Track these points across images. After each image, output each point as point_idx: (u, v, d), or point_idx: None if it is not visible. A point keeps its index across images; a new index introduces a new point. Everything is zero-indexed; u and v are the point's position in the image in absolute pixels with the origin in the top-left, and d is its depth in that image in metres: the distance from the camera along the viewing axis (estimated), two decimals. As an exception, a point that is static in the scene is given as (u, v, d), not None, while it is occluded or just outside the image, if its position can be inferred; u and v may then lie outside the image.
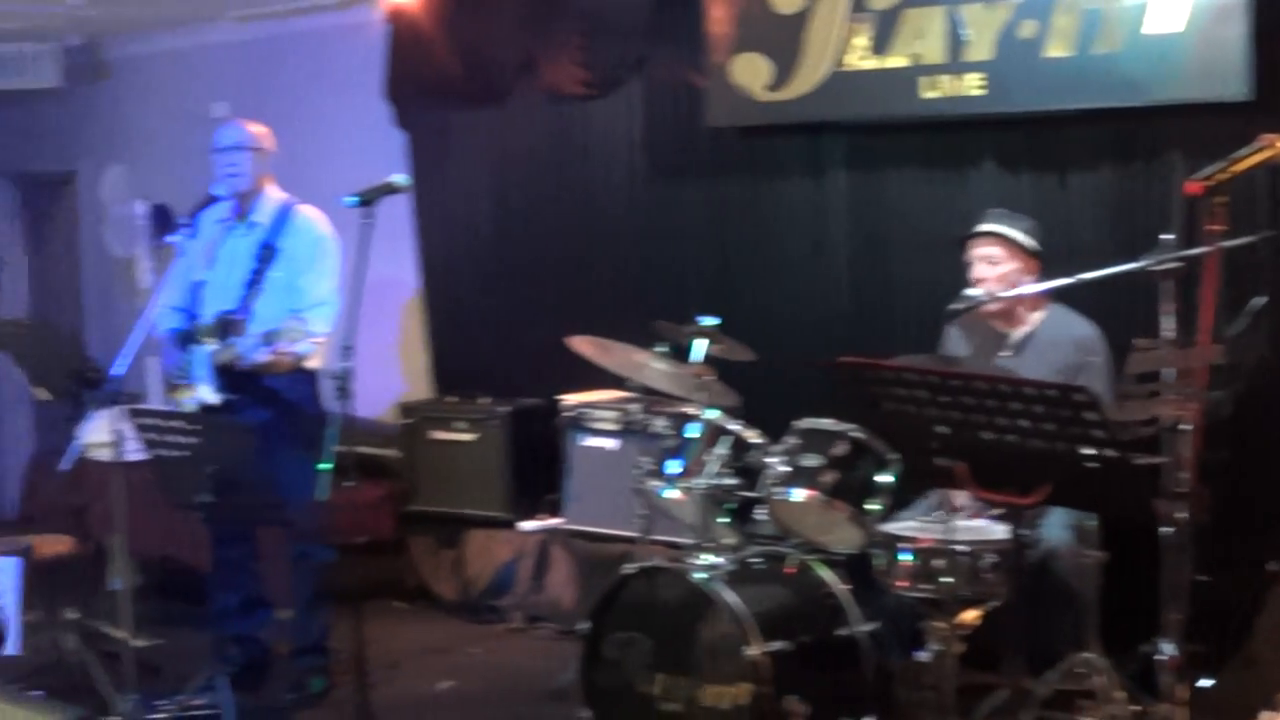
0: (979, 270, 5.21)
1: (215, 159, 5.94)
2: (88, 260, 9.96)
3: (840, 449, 4.99)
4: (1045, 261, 5.27)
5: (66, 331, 6.69)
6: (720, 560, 5.00)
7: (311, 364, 5.85)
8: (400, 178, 5.33)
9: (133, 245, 8.47)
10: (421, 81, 7.87)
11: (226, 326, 5.80)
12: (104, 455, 6.40)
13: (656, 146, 7.10)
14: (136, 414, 5.27)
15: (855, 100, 6.21)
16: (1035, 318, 5.28)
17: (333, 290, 5.86)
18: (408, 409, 7.51)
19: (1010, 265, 5.20)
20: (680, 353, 5.44)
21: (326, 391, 5.53)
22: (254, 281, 5.87)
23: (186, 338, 5.92)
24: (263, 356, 5.51)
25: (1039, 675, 4.55)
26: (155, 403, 7.88)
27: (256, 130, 6.01)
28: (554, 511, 7.02)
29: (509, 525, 7.13)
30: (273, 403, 5.79)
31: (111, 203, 8.55)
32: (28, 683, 5.69)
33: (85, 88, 9.68)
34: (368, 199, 5.14)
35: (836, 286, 6.53)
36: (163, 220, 8.10)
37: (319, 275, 5.87)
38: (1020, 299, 5.21)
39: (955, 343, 5.42)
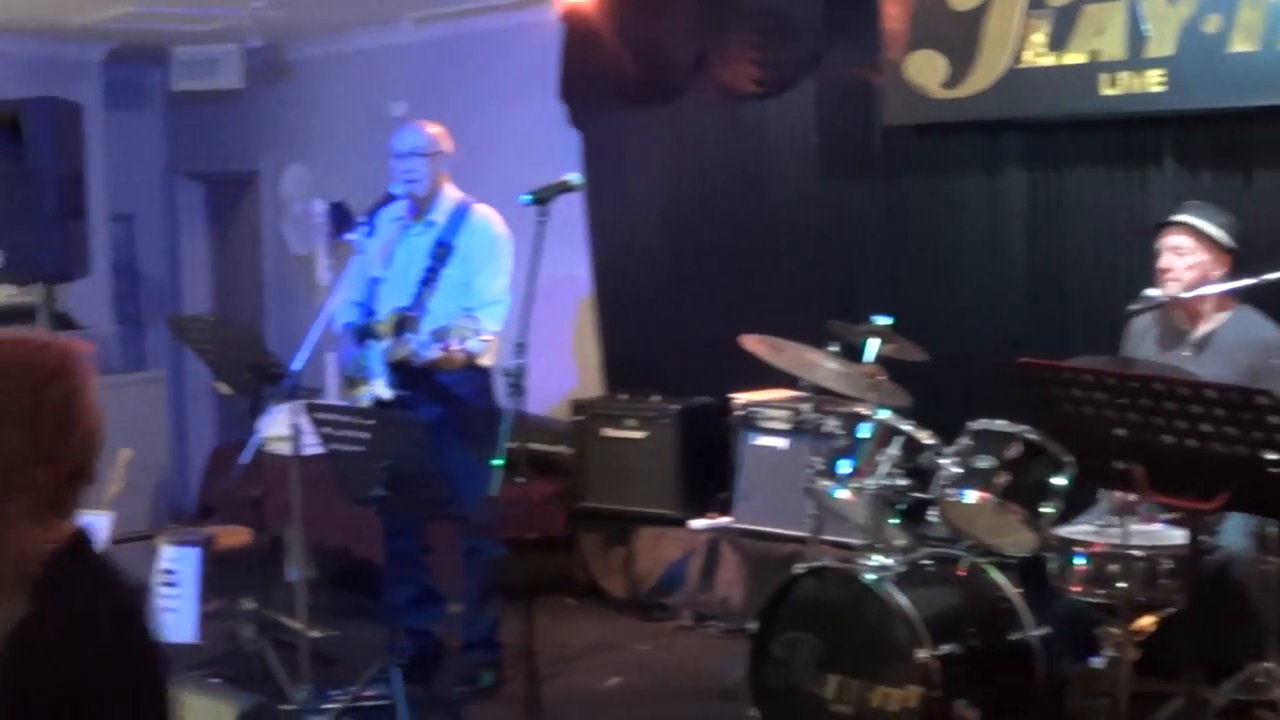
0: (1165, 260, 5.09)
1: (393, 163, 6.03)
2: (269, 258, 10.19)
3: (1014, 451, 4.93)
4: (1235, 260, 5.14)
5: (248, 327, 6.84)
6: (891, 561, 4.98)
7: (484, 361, 5.92)
8: (574, 176, 5.40)
9: (312, 243, 8.65)
10: (595, 81, 7.93)
11: (401, 323, 5.89)
12: (282, 449, 6.56)
13: (830, 145, 7.07)
14: (314, 409, 5.39)
15: (1033, 97, 6.13)
16: (1220, 317, 5.17)
17: (505, 289, 5.94)
18: (579, 406, 7.57)
19: (1198, 258, 5.07)
20: (852, 352, 5.42)
21: (499, 388, 5.61)
22: (428, 279, 5.95)
23: (363, 333, 6.03)
24: (433, 353, 5.59)
25: (1216, 684, 4.47)
26: (332, 398, 8.05)
27: (434, 132, 6.08)
28: (724, 510, 7.03)
29: (679, 523, 7.15)
30: (444, 399, 5.88)
31: (291, 201, 8.74)
32: (206, 670, 5.82)
33: (267, 88, 9.91)
34: (542, 197, 5.21)
35: (1011, 286, 6.46)
36: (341, 218, 8.25)
37: (493, 274, 5.94)
38: (1204, 297, 5.10)
39: (1139, 336, 5.30)
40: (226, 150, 10.40)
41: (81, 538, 2.22)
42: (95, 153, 8.55)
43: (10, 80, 8.58)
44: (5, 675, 2.08)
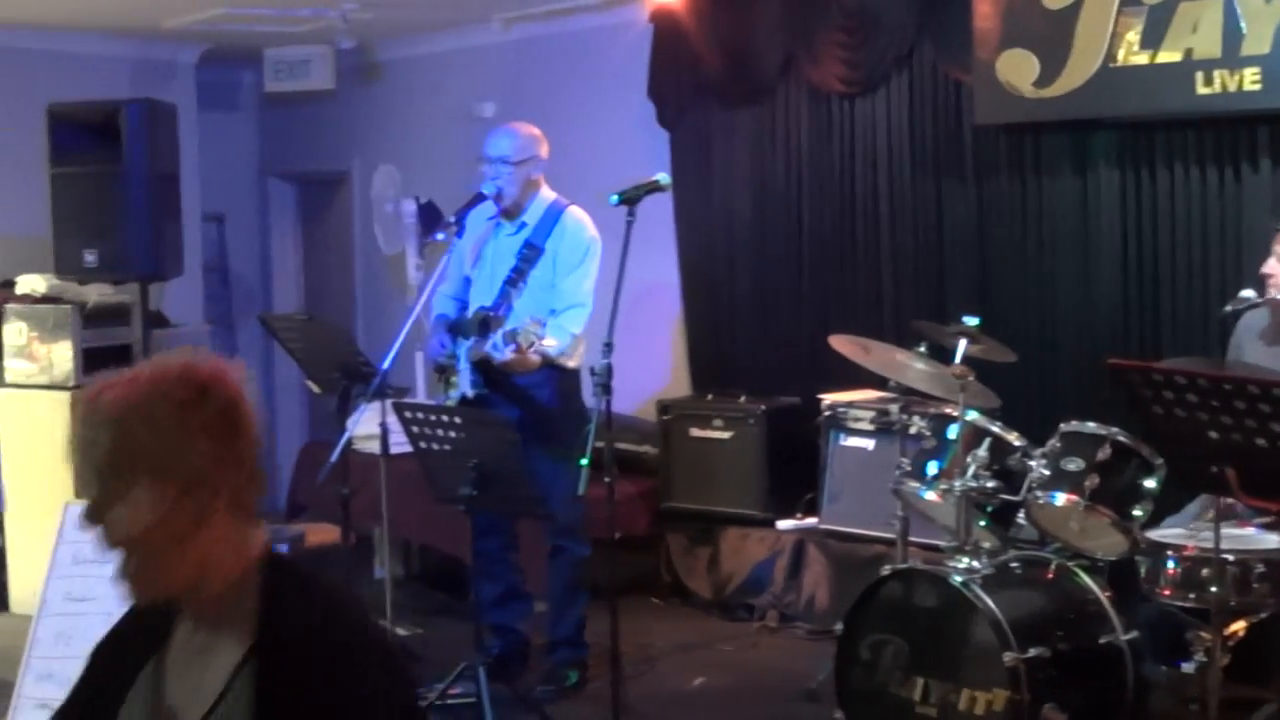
0: (1269, 266, 5.01)
1: (484, 166, 6.06)
2: (358, 257, 10.29)
3: (1104, 453, 4.90)
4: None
5: (337, 326, 6.91)
6: (978, 564, 4.96)
7: (569, 363, 5.95)
8: (663, 177, 5.42)
9: (401, 242, 8.71)
10: (684, 81, 7.95)
11: (484, 323, 5.93)
12: (371, 447, 6.63)
13: (920, 145, 7.05)
14: (402, 408, 5.44)
15: (1126, 97, 6.09)
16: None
17: (589, 293, 5.95)
18: (665, 406, 7.58)
19: None
20: (941, 353, 5.40)
21: (586, 388, 5.64)
22: (513, 280, 5.98)
23: (454, 328, 6.09)
24: (506, 355, 5.61)
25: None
26: (421, 397, 8.11)
27: (527, 137, 6.03)
28: (810, 511, 7.02)
29: (765, 524, 7.15)
30: (524, 401, 5.91)
31: (381, 201, 8.81)
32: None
33: (358, 89, 10.00)
34: (630, 198, 5.23)
35: (1102, 286, 6.41)
36: (430, 218, 8.29)
37: (580, 277, 5.95)
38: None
39: (1245, 335, 5.22)
40: (317, 151, 10.52)
41: (271, 548, 2.24)
42: (189, 153, 8.67)
43: (107, 82, 8.73)
44: (269, 699, 2.08)
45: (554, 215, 6.03)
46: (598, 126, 8.46)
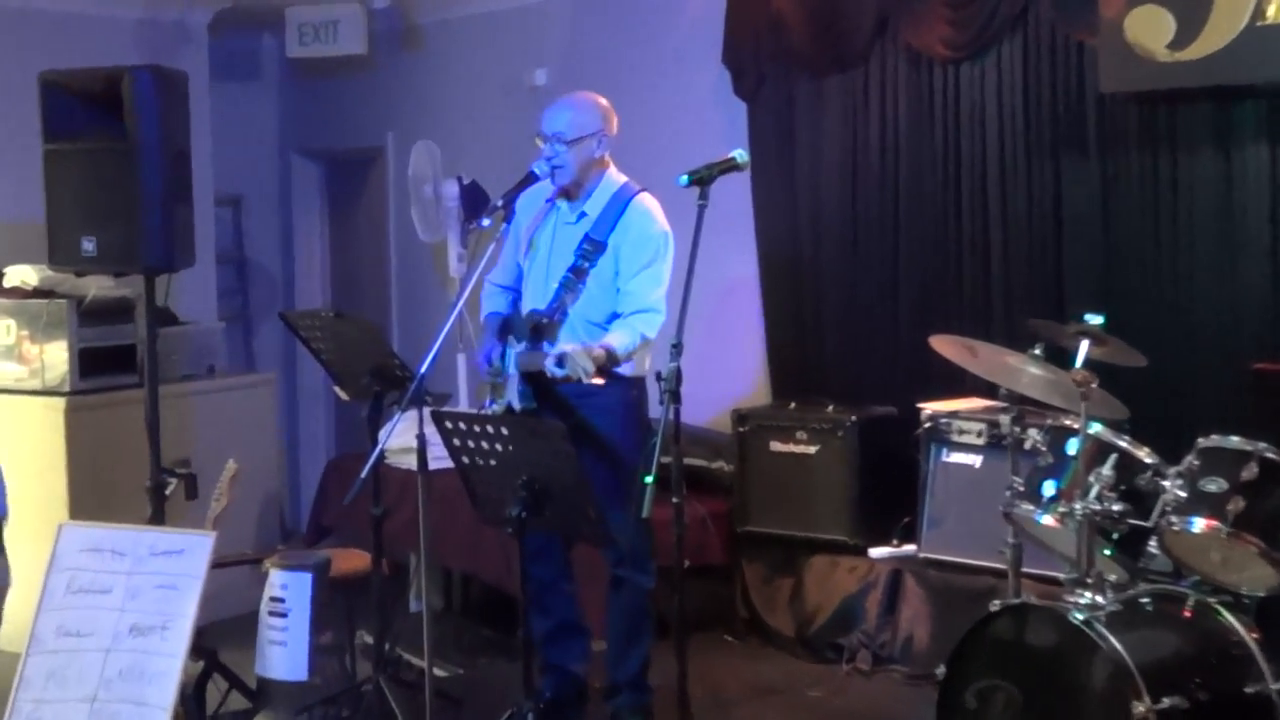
0: None
1: (539, 144, 6.04)
2: (394, 246, 10.33)
3: (1250, 472, 4.86)
4: None
5: (370, 325, 6.91)
6: (1103, 599, 4.92)
7: (628, 371, 5.93)
8: (739, 154, 5.39)
9: (443, 229, 8.73)
10: (764, 45, 7.93)
11: (537, 330, 5.92)
12: (407, 462, 6.63)
13: (1036, 116, 7.01)
14: (443, 418, 5.43)
15: (1275, 60, 6.01)
16: None
17: (661, 298, 5.90)
18: (742, 416, 7.56)
19: None
20: (1060, 355, 5.36)
21: (652, 396, 5.62)
22: (569, 282, 5.96)
23: (505, 328, 6.08)
24: (558, 374, 5.62)
25: None
26: (465, 405, 8.12)
27: (590, 109, 5.99)
28: (908, 537, 6.99)
29: (856, 551, 7.13)
30: (582, 411, 5.89)
31: (420, 182, 8.82)
32: (319, 712, 5.89)
33: (394, 56, 10.04)
34: (702, 178, 5.21)
35: (1247, 279, 6.34)
36: (476, 201, 8.31)
37: (649, 282, 5.90)
38: None
39: None
40: (347, 125, 10.56)
41: None
42: (201, 128, 8.68)
43: (108, 46, 8.75)
44: None
45: (620, 204, 5.97)
46: (665, 97, 8.45)
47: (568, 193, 6.03)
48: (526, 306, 6.08)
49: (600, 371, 5.63)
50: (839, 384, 7.69)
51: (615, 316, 5.86)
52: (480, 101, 9.52)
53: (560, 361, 5.52)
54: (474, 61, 9.65)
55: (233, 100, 10.34)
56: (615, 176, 6.05)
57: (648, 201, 6.00)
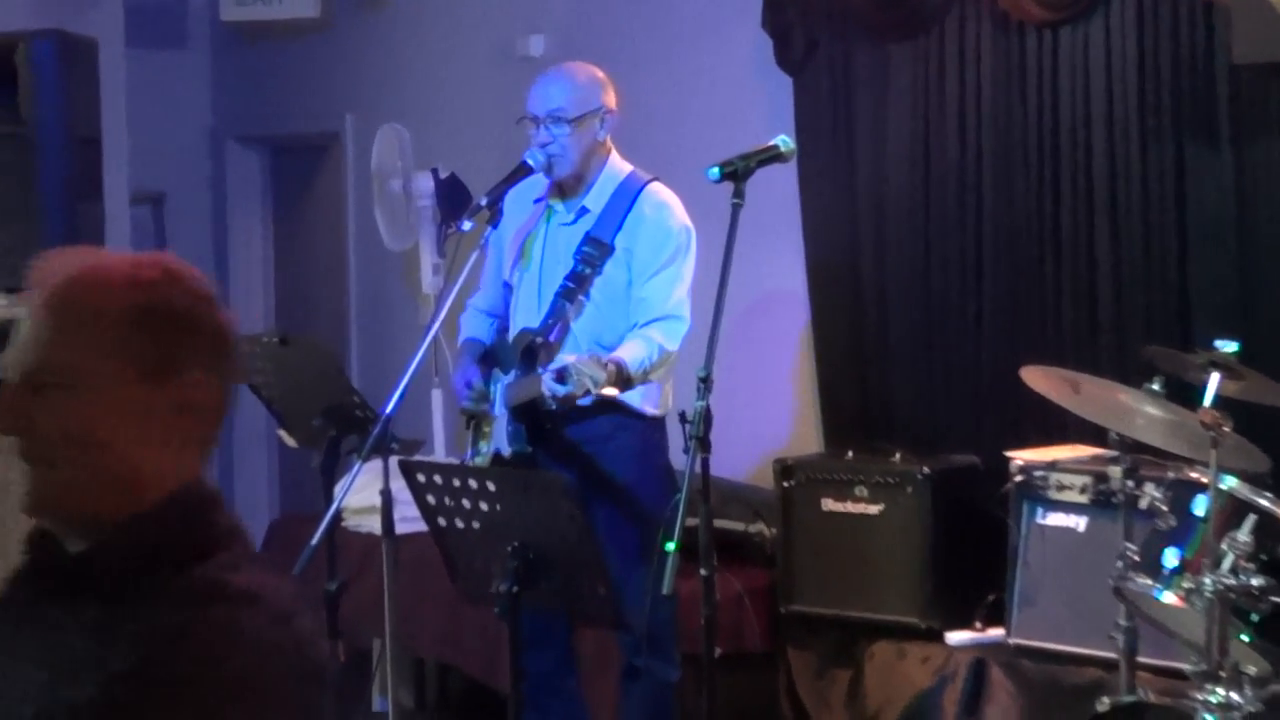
0: None
1: (529, 129, 6.04)
2: (353, 254, 10.36)
3: None
4: None
5: (323, 352, 6.92)
6: (1239, 698, 4.91)
7: (645, 406, 5.92)
8: (783, 141, 5.39)
9: (414, 234, 8.75)
10: (815, 5, 7.94)
11: (530, 352, 5.91)
12: (368, 525, 6.64)
13: (1152, 93, 7.01)
14: (414, 469, 5.43)
15: None
16: None
17: (684, 301, 5.92)
18: (788, 469, 7.56)
19: None
20: (1184, 391, 5.35)
21: (675, 442, 5.61)
22: (569, 291, 5.95)
23: (488, 359, 6.08)
24: (560, 391, 5.56)
25: None
26: (441, 454, 8.12)
27: (588, 83, 6.02)
28: (994, 619, 6.98)
29: (929, 637, 7.11)
30: (586, 459, 5.89)
31: (386, 176, 8.84)
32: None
33: (353, 18, 10.07)
34: (737, 171, 5.21)
35: None
36: (456, 199, 8.32)
37: (667, 284, 5.92)
38: None
39: None
40: (296, 105, 10.59)
41: (211, 493, 2.65)
42: (114, 108, 8.72)
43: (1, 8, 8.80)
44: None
45: (627, 197, 5.99)
46: (690, 71, 8.46)
47: (563, 188, 6.04)
48: (516, 326, 6.07)
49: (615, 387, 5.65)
50: (908, 427, 7.70)
51: (634, 325, 5.87)
52: (461, 76, 9.54)
53: (562, 377, 5.47)
54: (453, 26, 9.67)
55: (154, 74, 10.36)
56: (619, 164, 6.06)
57: (661, 192, 6.02)
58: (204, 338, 2.61)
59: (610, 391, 5.56)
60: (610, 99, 6.04)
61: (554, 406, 5.72)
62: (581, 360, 5.48)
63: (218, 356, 2.62)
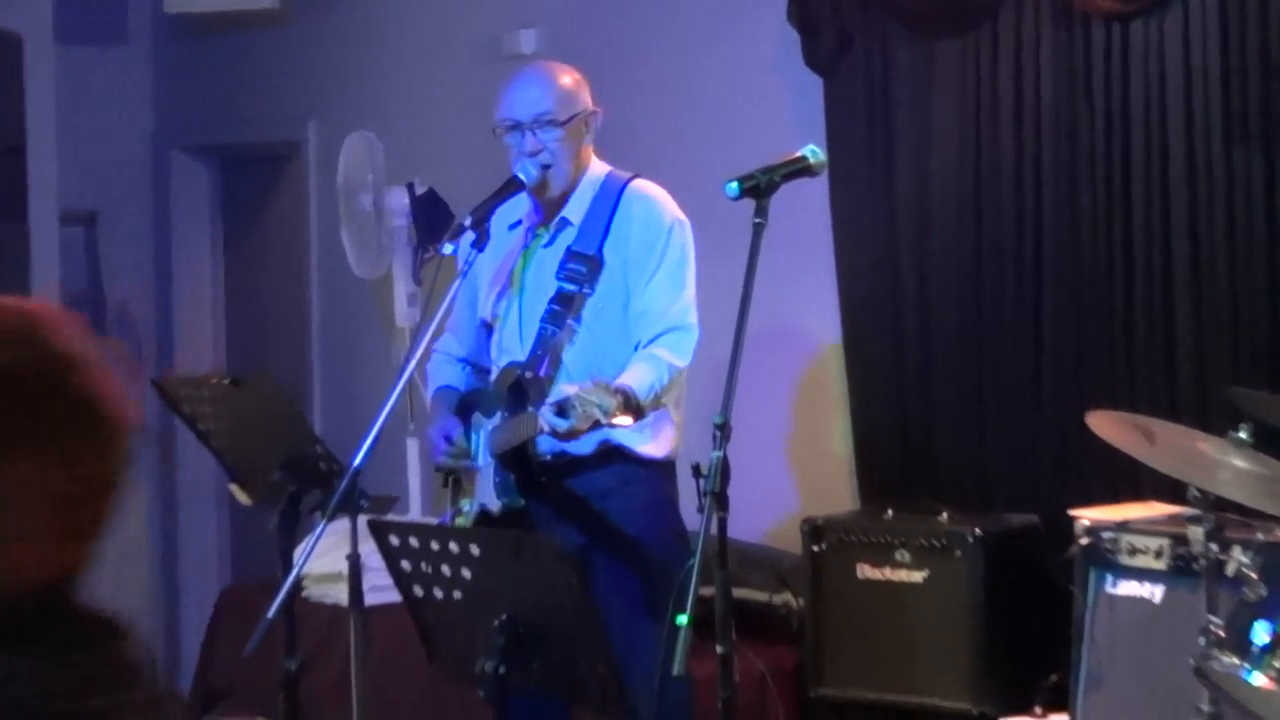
0: None
1: (508, 138, 6.00)
2: (316, 283, 10.38)
3: None
4: None
5: (281, 396, 6.91)
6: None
7: (657, 449, 5.91)
8: (811, 151, 5.38)
9: (386, 258, 8.75)
10: (848, -5, 7.98)
11: (517, 389, 5.88)
12: (334, 595, 6.63)
13: (1238, 95, 7.02)
14: (386, 530, 5.43)
15: None
16: None
17: (688, 307, 5.88)
18: (817, 529, 7.55)
19: None
20: (1274, 441, 5.34)
21: (686, 495, 5.60)
22: (558, 314, 5.92)
23: (468, 405, 6.06)
24: (560, 425, 5.50)
25: None
26: (417, 513, 8.12)
27: (569, 79, 6.02)
28: (1057, 702, 6.97)
29: (982, 725, 7.13)
30: (584, 516, 5.88)
31: (354, 191, 8.85)
32: None
33: (317, 11, 10.08)
34: (758, 186, 5.20)
35: None
36: (434, 218, 8.33)
37: (666, 288, 5.87)
38: None
39: None
40: (251, 110, 10.61)
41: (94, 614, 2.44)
42: (41, 113, 8.74)
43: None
44: None
45: (609, 200, 5.95)
46: (704, 72, 8.47)
47: (544, 211, 6.02)
48: (499, 364, 6.05)
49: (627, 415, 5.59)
50: (956, 481, 7.71)
51: (638, 345, 5.83)
52: (441, 76, 9.56)
53: (563, 409, 5.42)
54: (433, 20, 9.70)
55: (88, 74, 10.38)
56: (597, 168, 6.06)
57: (646, 187, 6.01)
58: (70, 409, 2.45)
59: (623, 421, 5.49)
60: (586, 101, 6.06)
61: (547, 458, 5.71)
62: (585, 389, 5.38)
63: (88, 433, 2.46)
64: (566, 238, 5.98)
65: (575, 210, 6.00)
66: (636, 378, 5.62)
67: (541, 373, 5.86)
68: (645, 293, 5.90)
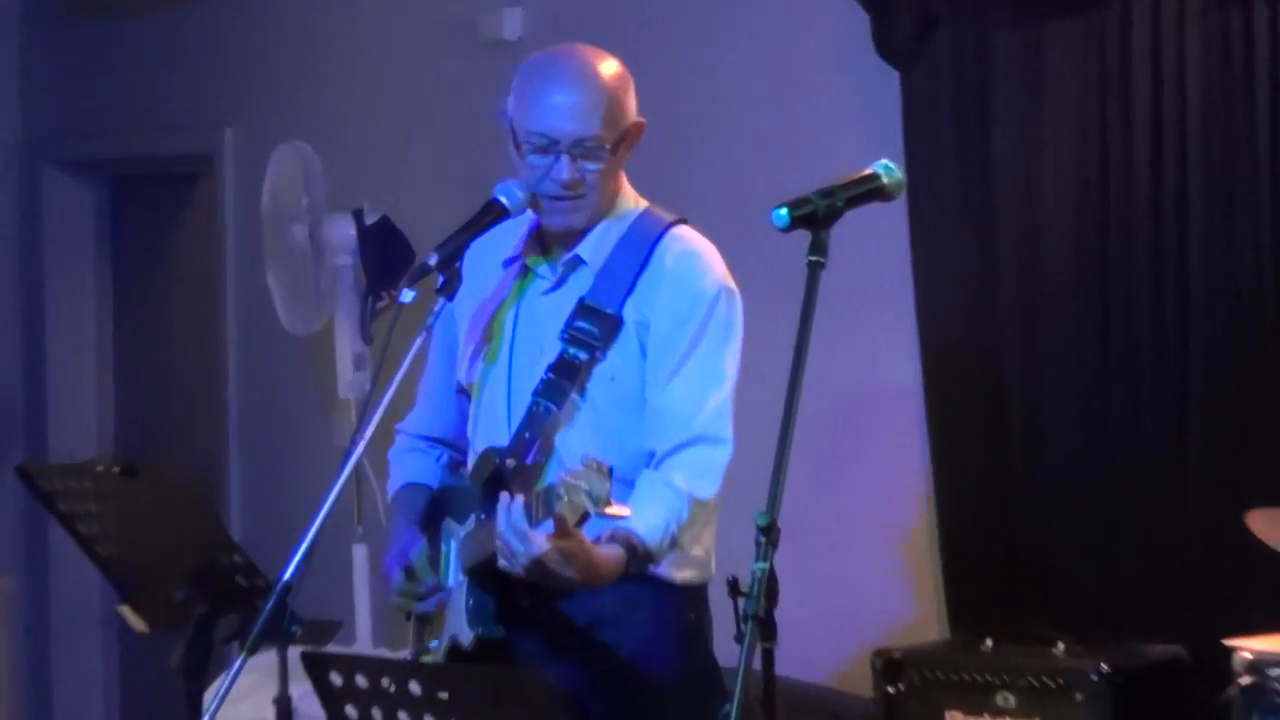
0: None
1: (536, 157, 5.90)
2: (235, 337, 10.42)
3: None
4: None
5: (187, 488, 6.91)
6: None
7: (683, 572, 5.90)
8: (884, 168, 5.37)
9: (325, 307, 8.77)
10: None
11: (496, 479, 5.85)
12: (257, 748, 6.63)
13: None
14: (326, 665, 5.43)
15: None
16: None
17: (724, 414, 5.82)
18: (894, 665, 7.57)
19: None
20: None
21: (721, 620, 5.60)
22: (556, 386, 5.89)
23: (438, 506, 6.04)
24: (536, 546, 5.45)
25: None
26: (366, 644, 8.12)
27: (621, 82, 5.86)
28: None
29: None
30: (586, 647, 5.87)
31: (284, 219, 8.87)
32: None
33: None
34: (815, 213, 5.19)
35: None
36: (390, 255, 8.35)
37: (697, 381, 5.78)
38: None
39: None
40: (149, 115, 10.64)
41: None
42: None
43: None
44: None
45: (641, 245, 5.89)
46: (744, 64, 8.50)
47: (548, 239, 5.95)
48: (477, 446, 6.01)
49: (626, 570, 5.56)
50: (1075, 602, 7.71)
51: (650, 456, 5.80)
52: (401, 69, 9.60)
53: (550, 497, 5.37)
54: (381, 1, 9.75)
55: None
56: (630, 198, 5.97)
57: (689, 237, 5.90)
58: None
59: (619, 511, 5.42)
60: (634, 106, 5.97)
61: (524, 565, 5.64)
62: (576, 474, 5.26)
63: None
64: (579, 284, 5.84)
65: (594, 248, 5.85)
66: (646, 519, 5.50)
67: (529, 460, 5.79)
68: (670, 385, 5.76)
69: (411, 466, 6.17)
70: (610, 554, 5.44)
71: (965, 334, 8.07)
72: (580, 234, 5.87)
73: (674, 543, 5.60)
